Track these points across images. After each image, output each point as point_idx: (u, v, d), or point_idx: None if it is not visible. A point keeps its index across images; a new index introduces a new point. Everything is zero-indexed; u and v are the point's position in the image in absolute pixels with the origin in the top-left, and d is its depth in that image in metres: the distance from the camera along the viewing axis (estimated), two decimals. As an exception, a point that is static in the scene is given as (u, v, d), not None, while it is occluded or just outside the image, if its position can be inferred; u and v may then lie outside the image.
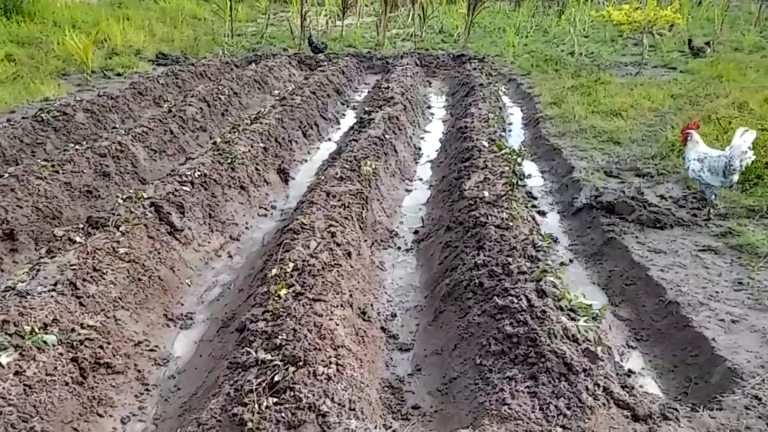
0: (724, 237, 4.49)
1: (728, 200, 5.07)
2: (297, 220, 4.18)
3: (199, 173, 4.96)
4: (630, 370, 3.29)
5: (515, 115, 8.83)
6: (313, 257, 3.64)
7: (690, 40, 11.61)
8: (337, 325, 3.08)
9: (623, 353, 3.48)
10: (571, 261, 4.57)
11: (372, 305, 3.80)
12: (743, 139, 4.55)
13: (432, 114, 9.13)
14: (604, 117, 7.69)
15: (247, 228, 5.10)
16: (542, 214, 5.38)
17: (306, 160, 6.94)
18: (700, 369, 3.21)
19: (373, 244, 4.66)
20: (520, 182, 5.40)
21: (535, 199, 5.69)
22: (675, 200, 5.12)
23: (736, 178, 4.66)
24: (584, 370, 2.75)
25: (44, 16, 14.11)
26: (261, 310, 3.19)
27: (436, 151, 7.26)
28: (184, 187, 4.70)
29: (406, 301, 4.09)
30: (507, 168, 5.36)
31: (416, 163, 6.89)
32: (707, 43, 11.52)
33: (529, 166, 6.56)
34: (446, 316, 3.66)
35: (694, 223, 4.73)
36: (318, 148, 7.44)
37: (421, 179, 6.41)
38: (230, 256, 4.65)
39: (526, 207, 4.87)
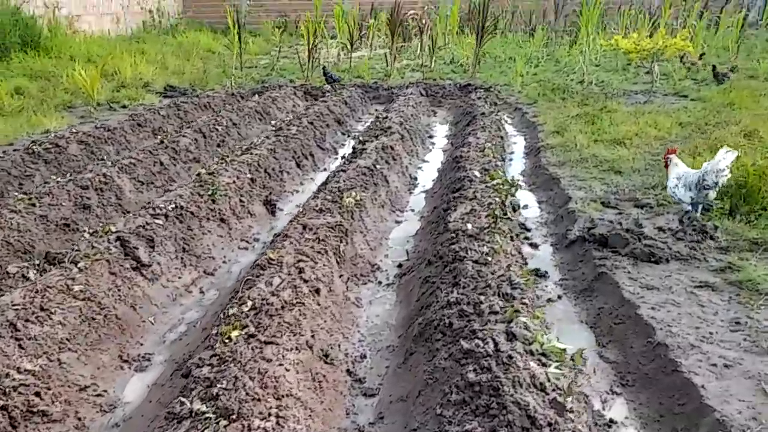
0: (723, 272, 4.19)
1: (731, 232, 4.78)
2: (265, 255, 3.99)
3: (174, 205, 4.81)
4: (611, 420, 3.02)
5: (518, 144, 8.60)
6: (274, 295, 3.44)
7: (714, 67, 11.41)
8: (287, 370, 2.86)
9: (606, 400, 3.20)
10: (559, 297, 4.31)
11: (339, 346, 3.57)
12: (723, 157, 4.70)
13: (433, 143, 8.95)
14: (608, 146, 7.43)
15: (224, 262, 4.93)
16: (534, 246, 5.13)
17: (297, 191, 6.78)
18: (688, 419, 2.92)
19: (350, 278, 4.44)
20: (511, 213, 5.18)
21: (529, 230, 5.44)
22: (674, 232, 4.83)
23: (712, 195, 4.82)
24: (549, 425, 2.48)
25: (61, 50, 14.32)
26: (209, 354, 2.99)
27: (433, 181, 7.06)
28: (156, 221, 4.55)
29: (380, 340, 3.86)
30: (497, 199, 5.14)
31: (410, 193, 6.70)
32: (732, 69, 11.32)
33: (527, 197, 6.34)
34: (416, 358, 3.42)
35: (693, 257, 4.44)
36: (312, 178, 7.28)
37: (413, 210, 6.21)
38: (202, 292, 4.46)
39: (513, 240, 4.62)
